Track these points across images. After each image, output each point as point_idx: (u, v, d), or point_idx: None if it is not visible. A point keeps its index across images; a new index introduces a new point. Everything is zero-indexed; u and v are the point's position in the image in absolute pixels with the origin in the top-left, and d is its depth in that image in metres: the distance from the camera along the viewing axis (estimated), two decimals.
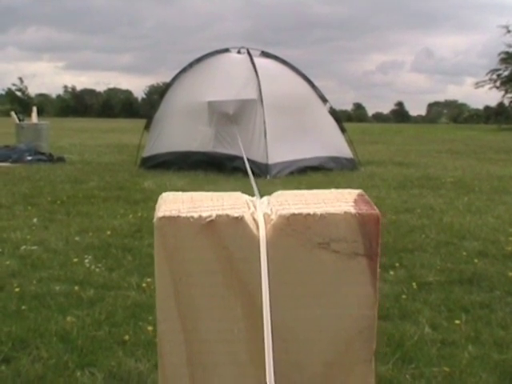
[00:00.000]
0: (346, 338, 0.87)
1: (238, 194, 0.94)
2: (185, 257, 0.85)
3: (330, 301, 0.86)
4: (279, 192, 0.95)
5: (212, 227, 0.84)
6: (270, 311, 0.82)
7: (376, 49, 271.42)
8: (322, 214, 0.84)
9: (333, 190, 0.93)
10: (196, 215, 0.85)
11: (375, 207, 0.85)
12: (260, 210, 0.88)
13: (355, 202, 0.87)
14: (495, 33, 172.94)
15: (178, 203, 0.88)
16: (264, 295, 0.81)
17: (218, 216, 0.85)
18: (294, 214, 0.85)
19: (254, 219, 0.86)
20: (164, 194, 0.94)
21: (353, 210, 0.85)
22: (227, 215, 0.85)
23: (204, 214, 0.85)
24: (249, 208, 0.88)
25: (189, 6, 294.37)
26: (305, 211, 0.85)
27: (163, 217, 0.85)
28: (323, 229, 0.84)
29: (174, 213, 0.85)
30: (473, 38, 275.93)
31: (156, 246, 0.85)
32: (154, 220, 0.86)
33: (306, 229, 0.84)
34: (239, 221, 0.84)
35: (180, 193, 0.94)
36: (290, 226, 0.84)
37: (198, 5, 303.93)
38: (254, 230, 0.85)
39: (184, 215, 0.85)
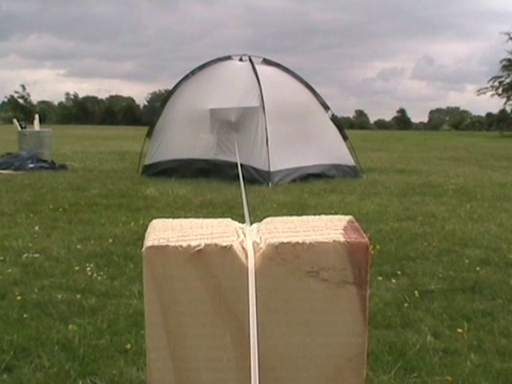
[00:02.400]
0: (336, 365, 0.87)
1: (228, 220, 0.93)
2: (173, 286, 0.84)
3: (319, 329, 0.86)
4: (269, 219, 0.94)
5: (201, 256, 0.84)
6: (259, 339, 0.81)
7: (377, 56, 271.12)
8: (310, 243, 0.84)
9: (323, 217, 0.93)
10: (185, 244, 0.84)
11: (364, 235, 0.85)
12: (249, 239, 0.88)
13: (344, 229, 0.86)
14: (495, 40, 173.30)
15: (167, 231, 0.88)
16: (252, 324, 0.80)
17: (207, 245, 0.84)
18: (282, 243, 0.84)
19: (243, 248, 0.86)
20: (154, 221, 0.94)
21: (342, 239, 0.84)
22: (216, 244, 0.84)
23: (193, 243, 0.84)
24: (238, 236, 0.88)
25: (190, 14, 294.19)
26: (294, 240, 0.84)
27: (152, 246, 0.84)
28: (312, 257, 0.84)
29: (163, 242, 0.84)
30: (473, 45, 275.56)
31: (145, 274, 0.84)
32: (143, 249, 0.85)
33: (294, 257, 0.84)
34: (228, 250, 0.84)
35: (170, 220, 0.93)
36: (279, 255, 0.84)
37: (199, 12, 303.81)
38: (243, 259, 0.84)
39: (173, 244, 0.84)
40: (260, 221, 0.97)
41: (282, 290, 0.84)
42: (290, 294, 0.84)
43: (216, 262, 0.84)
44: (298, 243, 0.84)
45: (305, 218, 0.93)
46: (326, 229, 0.87)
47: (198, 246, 0.84)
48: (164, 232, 0.87)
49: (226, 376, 0.86)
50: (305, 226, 0.89)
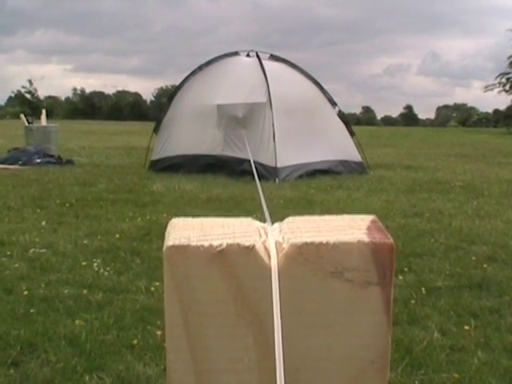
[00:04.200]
0: (359, 367, 0.85)
1: (249, 220, 0.91)
2: (194, 286, 0.82)
3: (342, 330, 0.84)
4: (291, 218, 0.92)
5: (223, 256, 0.82)
6: (282, 340, 0.79)
7: (383, 52, 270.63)
8: (334, 243, 0.82)
9: (345, 216, 0.91)
10: (206, 244, 0.83)
11: (389, 235, 0.83)
12: (271, 238, 0.86)
13: (368, 229, 0.85)
14: (501, 37, 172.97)
15: (188, 230, 0.86)
16: (276, 325, 0.78)
17: (229, 245, 0.82)
18: (306, 243, 0.82)
19: (266, 248, 0.84)
20: (174, 220, 0.91)
21: (366, 239, 0.82)
22: (238, 244, 0.82)
23: (214, 243, 0.83)
24: (260, 236, 0.86)
25: (196, 10, 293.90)
26: (317, 240, 0.83)
27: (172, 246, 0.82)
28: (336, 258, 0.82)
29: (184, 241, 0.83)
30: (479, 41, 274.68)
31: (165, 274, 0.82)
32: (164, 249, 0.84)
33: (318, 258, 0.82)
34: (250, 250, 0.82)
35: (190, 219, 0.91)
36: (302, 255, 0.82)
37: (206, 8, 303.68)
38: (266, 259, 0.83)
39: (194, 244, 0.83)
40: (276, 220, 0.96)
41: (305, 291, 0.83)
42: (312, 295, 0.83)
43: (238, 262, 0.82)
44: (321, 243, 0.82)
45: (327, 217, 0.91)
46: (350, 229, 0.86)
47: (220, 245, 0.82)
48: (185, 231, 0.85)
49: (247, 377, 0.84)
50: (327, 225, 0.87)
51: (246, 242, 0.83)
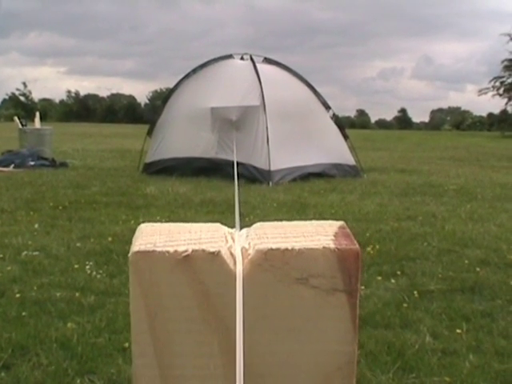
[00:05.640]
0: (325, 374, 0.85)
1: (218, 225, 0.92)
2: (160, 292, 0.83)
3: (308, 336, 0.85)
4: (259, 224, 0.93)
5: (188, 262, 0.83)
6: (247, 347, 0.80)
7: (377, 55, 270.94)
8: (300, 249, 0.83)
9: (313, 222, 0.91)
10: (172, 250, 0.83)
11: (355, 242, 0.84)
12: (238, 244, 0.86)
13: (335, 235, 0.85)
14: (494, 40, 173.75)
15: (155, 235, 0.86)
16: (238, 331, 0.79)
17: (194, 251, 0.83)
18: (271, 249, 0.83)
19: (232, 254, 0.84)
20: (142, 226, 0.92)
21: (332, 245, 0.83)
22: (203, 250, 0.83)
23: (180, 249, 0.83)
24: (226, 242, 0.86)
25: (191, 12, 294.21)
26: (283, 246, 0.83)
27: (138, 251, 0.83)
28: (301, 264, 0.83)
29: (150, 247, 0.83)
30: (472, 45, 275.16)
31: (131, 280, 0.83)
32: (129, 254, 0.84)
33: (283, 264, 0.83)
34: (215, 256, 0.82)
35: (158, 224, 0.92)
36: (268, 261, 0.83)
37: (200, 11, 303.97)
38: (231, 265, 0.83)
39: (159, 249, 0.83)
40: (259, 221, 0.96)
41: (271, 297, 0.83)
42: (278, 301, 0.83)
43: (204, 268, 0.82)
44: (287, 249, 0.82)
45: (296, 223, 0.92)
46: (317, 235, 0.86)
47: (186, 251, 0.82)
48: (151, 237, 0.86)
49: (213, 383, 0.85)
50: (295, 231, 0.88)
51: (212, 247, 0.83)
